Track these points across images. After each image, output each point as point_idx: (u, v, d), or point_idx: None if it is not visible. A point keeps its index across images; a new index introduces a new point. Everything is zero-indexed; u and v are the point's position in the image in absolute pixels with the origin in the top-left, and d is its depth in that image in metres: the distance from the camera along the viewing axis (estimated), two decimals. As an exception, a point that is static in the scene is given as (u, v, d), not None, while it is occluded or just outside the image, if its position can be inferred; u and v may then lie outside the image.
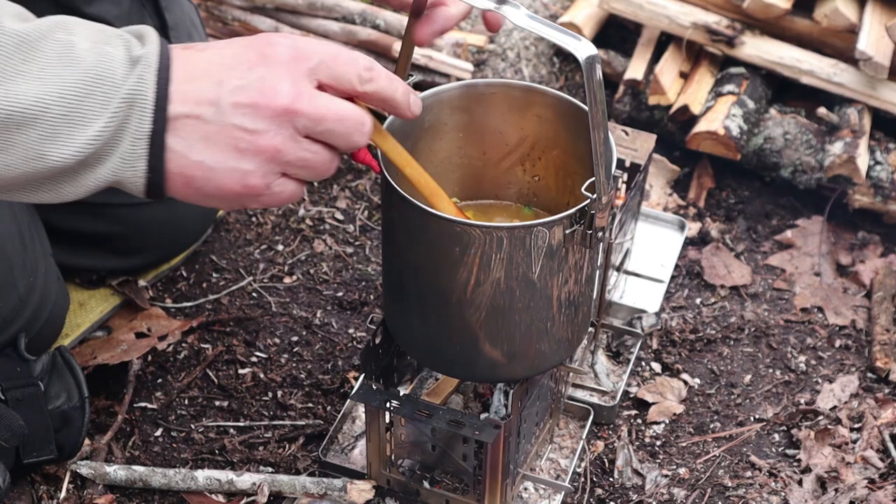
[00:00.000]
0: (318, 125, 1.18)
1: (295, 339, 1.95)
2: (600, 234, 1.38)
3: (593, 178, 1.33)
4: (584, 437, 1.78)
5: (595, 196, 1.34)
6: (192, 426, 1.81)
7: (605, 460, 1.78)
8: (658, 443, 1.82)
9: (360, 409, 1.78)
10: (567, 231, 1.37)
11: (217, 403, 1.85)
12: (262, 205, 1.22)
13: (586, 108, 1.30)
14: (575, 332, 1.52)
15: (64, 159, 1.13)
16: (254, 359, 1.91)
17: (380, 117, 1.34)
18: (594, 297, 1.63)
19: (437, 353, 1.53)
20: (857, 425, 1.83)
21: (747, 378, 1.93)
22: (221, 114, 1.16)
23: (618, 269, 1.95)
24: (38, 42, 1.12)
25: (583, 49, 1.25)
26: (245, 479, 1.68)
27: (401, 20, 2.43)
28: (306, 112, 1.17)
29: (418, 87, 2.22)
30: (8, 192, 1.17)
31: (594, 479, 1.75)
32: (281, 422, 1.82)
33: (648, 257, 2.07)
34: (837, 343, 1.99)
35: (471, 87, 1.54)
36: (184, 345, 1.92)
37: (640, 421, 1.85)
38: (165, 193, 1.19)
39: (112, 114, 1.13)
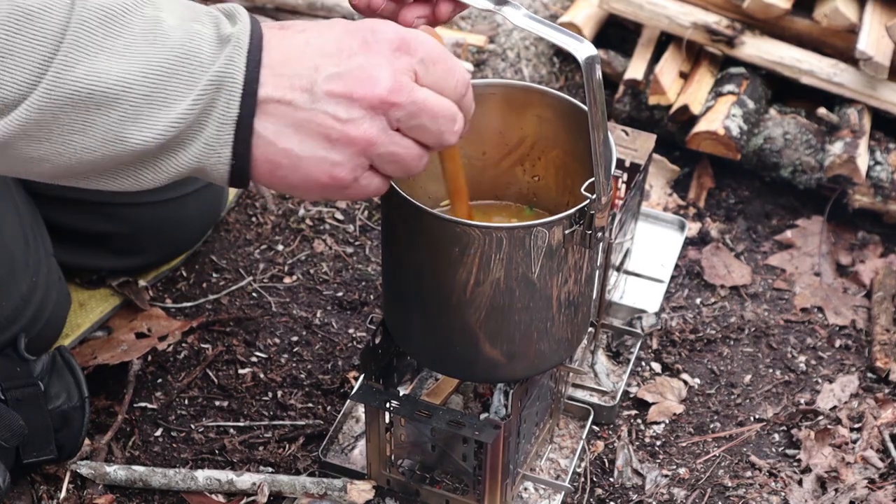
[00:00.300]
0: (412, 119, 1.14)
1: (295, 339, 1.95)
2: (600, 234, 1.38)
3: (593, 179, 1.33)
4: (584, 437, 1.78)
5: (594, 196, 1.34)
6: (192, 426, 1.81)
7: (605, 460, 1.78)
8: (658, 443, 1.82)
9: (360, 409, 1.78)
10: (566, 231, 1.37)
11: (217, 403, 1.85)
12: (347, 197, 1.17)
13: (586, 108, 1.30)
14: (575, 332, 1.52)
15: (145, 142, 1.07)
16: (254, 359, 1.92)
17: None
18: (594, 297, 1.63)
19: (436, 354, 1.53)
20: (857, 425, 1.83)
21: (747, 378, 1.93)
22: (315, 101, 1.10)
23: (618, 269, 1.95)
24: (123, 17, 1.06)
25: (582, 49, 1.25)
26: (245, 479, 1.68)
27: (401, 20, 2.42)
28: (403, 104, 1.12)
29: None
30: (86, 178, 1.12)
31: (594, 479, 1.75)
32: (281, 422, 1.82)
33: (648, 257, 2.07)
34: (837, 343, 1.99)
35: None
36: (184, 345, 1.92)
37: (640, 421, 1.85)
38: (249, 181, 1.13)
39: (198, 95, 1.07)
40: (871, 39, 2.16)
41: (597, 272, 1.58)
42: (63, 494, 1.68)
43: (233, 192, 2.13)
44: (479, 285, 1.40)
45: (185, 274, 2.05)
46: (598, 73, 1.26)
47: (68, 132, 1.06)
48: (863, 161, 2.13)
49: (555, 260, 1.39)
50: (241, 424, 1.81)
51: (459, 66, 1.18)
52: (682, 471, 1.77)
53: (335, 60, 1.11)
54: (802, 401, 1.89)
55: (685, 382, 1.91)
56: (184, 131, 1.08)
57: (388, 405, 1.54)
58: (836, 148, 2.15)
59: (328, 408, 1.84)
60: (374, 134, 1.12)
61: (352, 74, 1.11)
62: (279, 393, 1.86)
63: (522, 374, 1.52)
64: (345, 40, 1.12)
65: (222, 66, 1.07)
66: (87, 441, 1.72)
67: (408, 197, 1.37)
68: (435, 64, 1.15)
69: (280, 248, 2.11)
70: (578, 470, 1.76)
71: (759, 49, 2.26)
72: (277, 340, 1.95)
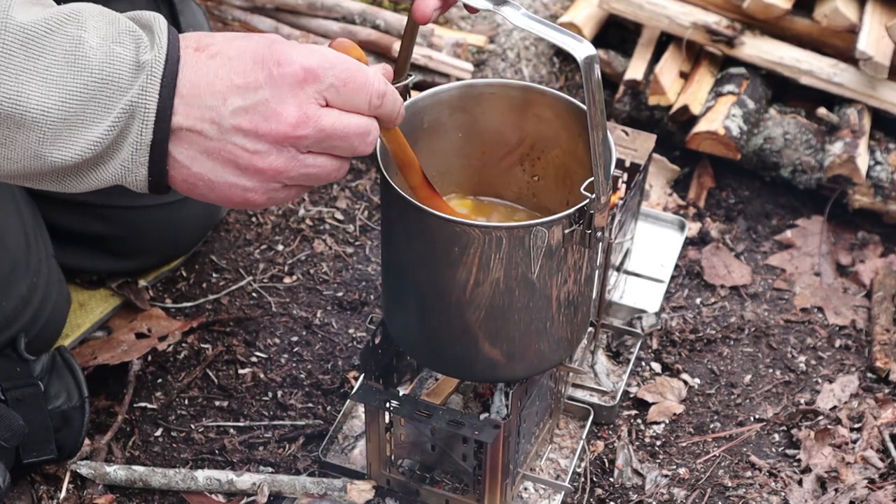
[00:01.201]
0: (322, 143, 1.17)
1: (295, 339, 1.95)
2: (599, 233, 1.38)
3: (592, 178, 1.33)
4: (584, 437, 1.78)
5: (594, 196, 1.34)
6: (192, 426, 1.81)
7: (605, 460, 1.78)
8: (658, 443, 1.82)
9: (360, 409, 1.78)
10: (566, 231, 1.37)
11: (217, 403, 1.85)
12: (265, 207, 1.22)
13: (585, 107, 1.30)
14: (574, 332, 1.52)
15: (64, 161, 1.13)
16: (254, 359, 1.92)
17: None
18: (594, 296, 1.63)
19: (436, 353, 1.53)
20: (857, 425, 1.83)
21: (747, 378, 1.93)
22: (222, 132, 1.15)
23: (618, 269, 1.95)
24: (45, 37, 1.10)
25: (581, 49, 1.25)
26: (245, 479, 1.68)
27: (400, 20, 2.43)
28: (309, 135, 1.15)
29: (419, 87, 2.22)
30: (13, 180, 1.18)
31: (594, 479, 1.75)
32: (281, 422, 1.82)
33: (648, 257, 2.07)
34: (837, 343, 1.99)
35: (470, 88, 1.54)
36: (184, 345, 1.92)
37: (640, 421, 1.85)
38: (168, 191, 1.19)
39: (114, 120, 1.12)
40: (871, 39, 2.16)
41: (596, 272, 1.58)
42: (63, 494, 1.68)
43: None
44: (478, 285, 1.40)
45: (185, 274, 2.05)
46: (597, 73, 1.26)
47: None
48: (863, 161, 2.13)
49: (554, 259, 1.39)
50: (241, 424, 1.81)
51: (372, 80, 1.19)
52: (682, 471, 1.77)
53: (242, 93, 1.14)
54: (802, 401, 1.89)
55: (685, 382, 1.91)
56: (102, 152, 1.14)
57: (387, 405, 1.54)
58: (836, 148, 2.15)
59: (328, 408, 1.84)
60: (282, 164, 1.17)
61: (257, 110, 1.14)
62: (279, 393, 1.86)
63: (522, 374, 1.52)
64: (252, 71, 1.15)
65: (137, 95, 1.12)
66: (87, 441, 1.72)
67: (407, 196, 1.37)
68: (345, 85, 1.16)
69: (280, 248, 2.11)
70: (578, 470, 1.76)
71: (759, 49, 2.26)
72: (277, 340, 1.95)
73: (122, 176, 1.16)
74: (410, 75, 1.45)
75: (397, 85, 1.40)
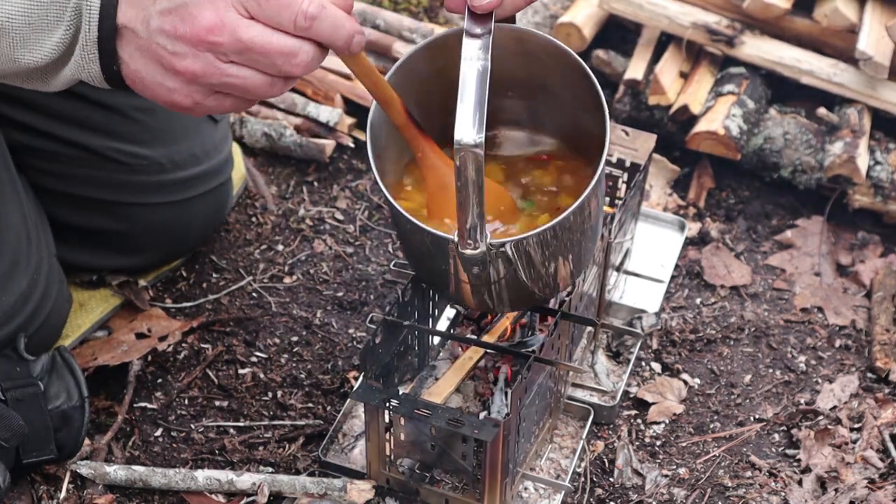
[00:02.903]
0: (241, 55, 1.21)
1: (295, 339, 1.95)
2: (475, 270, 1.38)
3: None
4: (584, 437, 1.78)
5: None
6: (192, 426, 1.81)
7: (605, 460, 1.78)
8: (658, 443, 1.82)
9: (360, 409, 1.78)
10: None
11: (217, 403, 1.85)
12: (199, 115, 1.28)
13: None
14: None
15: (35, 62, 1.26)
16: (254, 359, 1.92)
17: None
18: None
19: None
20: (857, 425, 1.83)
21: (747, 378, 1.93)
22: (150, 32, 1.22)
23: (618, 269, 1.95)
24: None
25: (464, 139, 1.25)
26: (245, 479, 1.68)
27: (400, 20, 2.43)
28: (225, 43, 1.19)
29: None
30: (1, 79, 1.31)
31: (594, 478, 1.75)
32: (281, 422, 1.82)
33: (648, 257, 2.07)
34: (837, 343, 1.99)
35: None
36: (184, 345, 1.92)
37: (640, 421, 1.85)
38: (127, 88, 1.29)
39: (68, 20, 1.24)
40: (871, 39, 2.16)
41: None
42: (63, 494, 1.68)
43: (234, 190, 2.13)
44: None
45: (185, 274, 2.05)
46: (474, 164, 1.25)
47: None
48: (863, 161, 2.13)
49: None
50: (241, 424, 1.81)
51: (299, 1, 1.20)
52: (682, 471, 1.77)
53: None
54: (802, 401, 1.89)
55: (685, 382, 1.91)
56: (64, 52, 1.26)
57: (387, 404, 1.54)
58: (836, 148, 2.15)
59: (328, 408, 1.84)
60: (199, 68, 1.22)
61: (178, 12, 1.20)
62: (279, 393, 1.86)
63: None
64: None
65: None
66: (87, 441, 1.72)
67: (397, 205, 1.38)
68: (268, 0, 1.19)
69: (280, 248, 2.11)
70: (578, 470, 1.76)
71: (759, 49, 2.26)
72: (277, 340, 1.95)
73: (78, 73, 1.27)
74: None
75: (455, 30, 1.40)
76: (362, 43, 1.27)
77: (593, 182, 1.39)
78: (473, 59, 1.28)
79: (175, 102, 1.26)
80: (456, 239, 1.33)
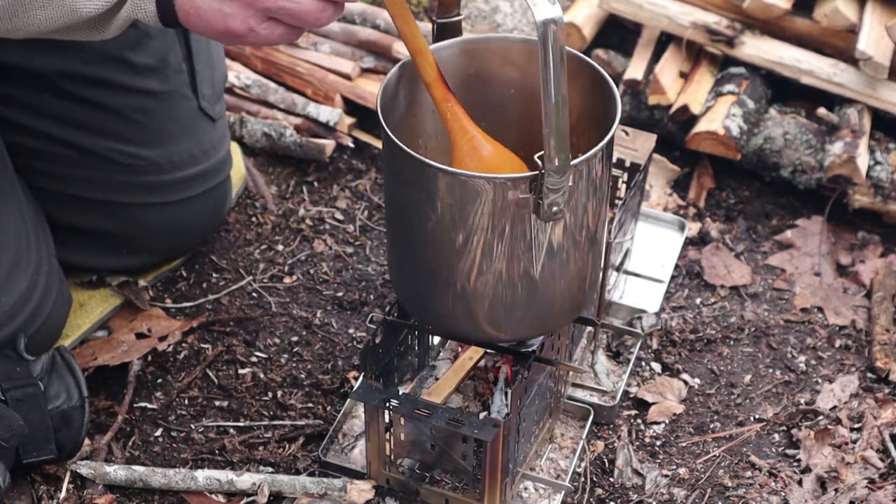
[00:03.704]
0: None
1: (295, 339, 1.95)
2: (555, 207, 1.36)
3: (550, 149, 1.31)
4: (584, 437, 1.78)
5: (543, 168, 1.32)
6: (192, 426, 1.81)
7: (605, 460, 1.78)
8: (658, 443, 1.82)
9: (360, 409, 1.78)
10: (520, 195, 1.35)
11: (217, 403, 1.85)
12: (253, 45, 1.33)
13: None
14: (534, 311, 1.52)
15: (97, 9, 1.34)
16: (254, 359, 1.92)
17: None
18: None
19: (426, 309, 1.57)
20: (857, 425, 1.83)
21: (747, 378, 1.93)
22: None
23: (618, 269, 1.95)
24: None
25: (542, 11, 1.22)
26: (245, 479, 1.68)
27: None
28: None
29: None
30: (55, 35, 1.39)
31: (594, 478, 1.75)
32: (281, 422, 1.82)
33: (648, 257, 2.07)
34: (837, 343, 1.99)
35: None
36: (184, 345, 1.93)
37: (640, 421, 1.85)
38: (178, 25, 1.35)
39: None
40: (871, 39, 2.16)
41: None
42: (63, 494, 1.68)
43: (234, 190, 2.13)
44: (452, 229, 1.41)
45: (185, 274, 2.05)
46: (558, 40, 1.23)
47: (31, 9, 1.35)
48: (863, 161, 2.13)
49: (506, 221, 1.38)
50: (241, 424, 1.81)
51: None
52: (682, 471, 1.77)
53: None
54: (802, 401, 1.89)
55: (685, 382, 1.91)
56: None
57: (387, 404, 1.54)
58: (836, 148, 2.15)
59: (328, 408, 1.84)
60: None
61: None
62: (279, 393, 1.86)
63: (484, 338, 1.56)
64: None
65: None
66: (87, 441, 1.72)
67: (392, 136, 1.39)
68: None
69: (280, 248, 2.11)
70: (578, 470, 1.76)
71: (758, 49, 2.26)
72: (277, 340, 1.95)
73: (134, 11, 1.34)
74: (459, 14, 1.48)
75: (448, 19, 1.45)
76: (329, 14, 1.33)
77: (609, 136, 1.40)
78: None
79: (230, 29, 1.31)
80: (541, 162, 1.30)
